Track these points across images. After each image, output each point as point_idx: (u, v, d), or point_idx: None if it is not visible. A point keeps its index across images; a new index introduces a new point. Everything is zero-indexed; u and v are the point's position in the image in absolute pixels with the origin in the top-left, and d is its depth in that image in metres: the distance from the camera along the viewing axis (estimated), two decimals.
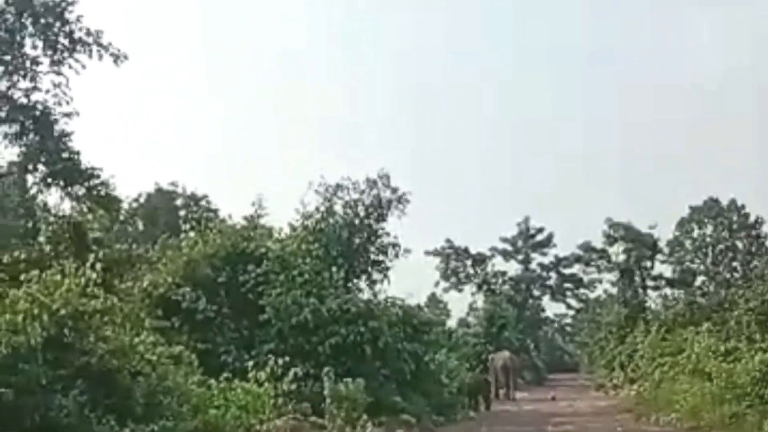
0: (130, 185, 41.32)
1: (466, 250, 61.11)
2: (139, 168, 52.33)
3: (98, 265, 14.15)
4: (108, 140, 45.10)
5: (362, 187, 26.58)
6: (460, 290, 61.00)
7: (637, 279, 50.74)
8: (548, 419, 25.46)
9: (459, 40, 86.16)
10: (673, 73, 76.30)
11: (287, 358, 17.92)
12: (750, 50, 72.38)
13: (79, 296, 13.42)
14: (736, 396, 19.18)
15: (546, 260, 65.29)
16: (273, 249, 22.86)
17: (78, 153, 20.75)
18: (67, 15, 20.97)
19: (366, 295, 25.26)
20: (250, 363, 17.66)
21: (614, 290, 53.39)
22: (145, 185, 36.86)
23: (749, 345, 22.66)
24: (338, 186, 26.30)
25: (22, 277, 13.56)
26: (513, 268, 64.40)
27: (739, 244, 55.74)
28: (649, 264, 52.02)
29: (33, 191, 21.09)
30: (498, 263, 62.98)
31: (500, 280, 61.46)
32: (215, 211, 33.25)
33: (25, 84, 20.85)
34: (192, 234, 23.80)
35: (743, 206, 55.88)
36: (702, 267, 56.12)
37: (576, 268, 62.14)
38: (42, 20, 20.80)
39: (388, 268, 26.53)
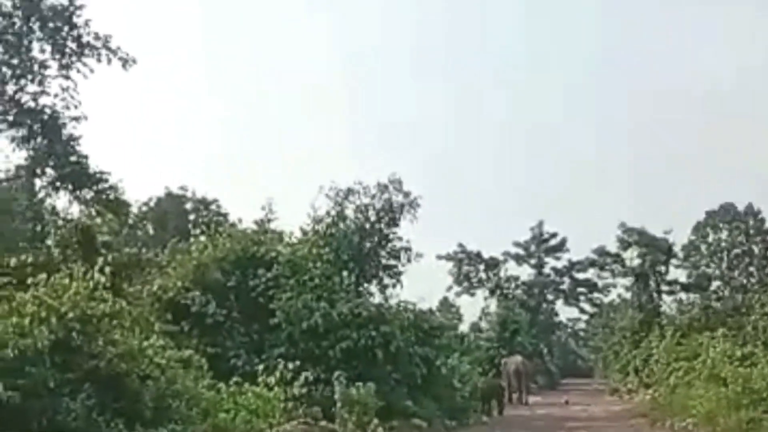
0: (139, 189, 41.40)
1: (478, 255, 60.95)
2: (149, 172, 52.51)
3: (107, 269, 14.12)
4: (117, 144, 45.26)
5: (373, 192, 26.49)
6: (473, 295, 60.85)
7: (652, 284, 50.35)
8: (561, 423, 25.29)
9: (470, 44, 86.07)
10: (685, 75, 75.97)
11: (298, 363, 17.79)
12: (762, 51, 71.91)
13: (87, 300, 13.36)
14: (753, 401, 18.96)
15: (559, 265, 65.14)
16: (283, 253, 22.78)
17: (86, 157, 20.86)
18: (75, 19, 21.05)
19: (377, 299, 25.15)
20: (260, 367, 17.55)
21: (628, 295, 53.05)
22: (155, 189, 37.03)
23: (765, 350, 22.48)
24: (349, 190, 26.23)
25: (30, 280, 13.52)
26: (526, 272, 64.26)
27: (755, 249, 55.39)
28: (663, 269, 51.60)
29: (41, 195, 21.17)
30: (511, 268, 62.86)
31: (513, 285, 61.22)
32: (225, 215, 33.32)
33: (33, 88, 21.04)
34: (202, 238, 23.78)
35: (759, 211, 55.55)
36: (717, 272, 55.77)
37: (590, 273, 61.88)
38: (50, 24, 20.91)
39: (399, 273, 26.42)
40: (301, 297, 21.64)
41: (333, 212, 25.65)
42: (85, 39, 21.06)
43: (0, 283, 13.41)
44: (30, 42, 20.89)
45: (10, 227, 21.55)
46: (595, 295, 63.99)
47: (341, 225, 25.38)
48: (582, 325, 71.48)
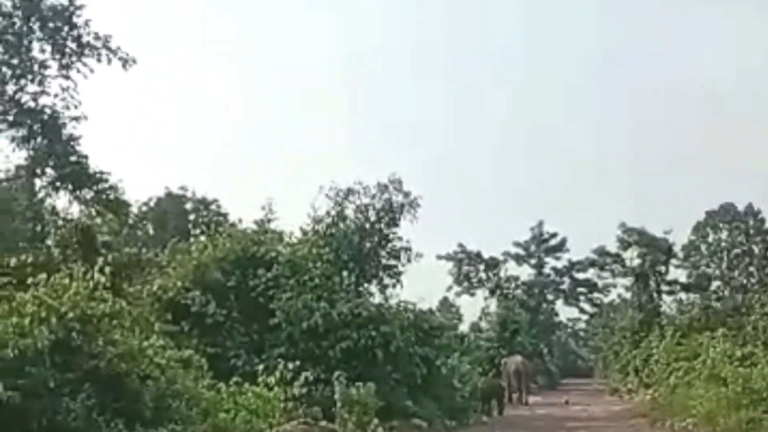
0: (139, 189, 41.39)
1: (478, 255, 60.92)
2: (149, 172, 52.53)
3: (107, 269, 14.11)
4: (118, 144, 45.27)
5: (373, 192, 26.47)
6: (473, 295, 60.82)
7: (652, 284, 50.31)
8: (562, 423, 25.27)
9: (470, 44, 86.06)
10: (685, 75, 76.01)
11: (298, 363, 17.77)
12: (762, 51, 71.93)
13: (87, 300, 13.35)
14: (753, 401, 18.94)
15: (559, 265, 65.12)
16: (283, 253, 22.75)
17: (86, 157, 20.83)
18: (75, 19, 21.01)
19: (377, 299, 25.14)
20: (261, 367, 17.53)
21: (628, 295, 53.03)
22: (155, 189, 36.97)
23: (766, 350, 22.46)
24: (349, 190, 26.21)
25: (30, 280, 13.52)
26: (526, 272, 64.24)
27: (756, 249, 55.38)
28: (663, 269, 51.57)
29: (41, 195, 21.15)
30: (511, 268, 62.84)
31: (513, 285, 61.20)
32: (225, 216, 33.27)
33: (33, 88, 21.02)
34: (202, 238, 23.75)
35: (759, 211, 55.53)
36: (717, 272, 55.75)
37: (590, 273, 61.85)
38: (50, 24, 20.88)
39: (399, 273, 26.41)
40: (301, 297, 21.61)
41: (333, 212, 25.64)
42: (85, 39, 21.04)
43: (0, 283, 13.39)
44: (30, 42, 20.87)
45: (10, 227, 21.53)
46: (595, 295, 63.99)
47: (341, 225, 25.37)
48: (582, 325, 71.50)
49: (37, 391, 11.78)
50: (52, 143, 20.27)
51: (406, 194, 26.63)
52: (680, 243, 53.74)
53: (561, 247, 64.89)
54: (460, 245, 61.18)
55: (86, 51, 20.98)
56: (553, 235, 64.77)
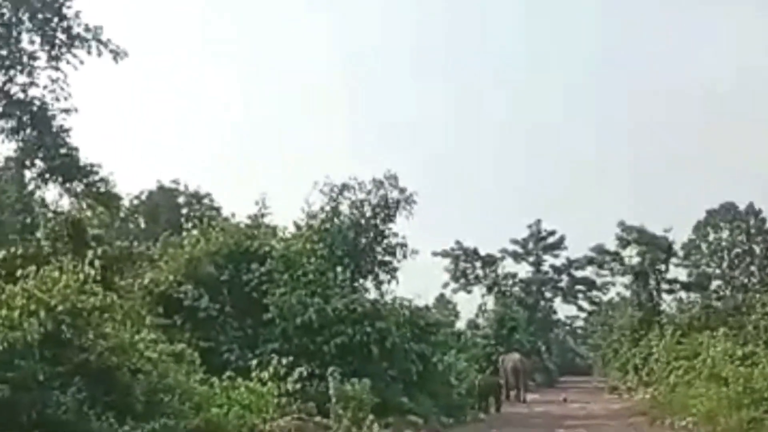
0: (132, 183, 41.24)
1: (475, 252, 60.82)
2: (142, 166, 52.33)
3: (97, 262, 13.99)
4: (111, 138, 45.14)
5: (369, 187, 26.30)
6: (470, 292, 60.73)
7: (652, 282, 50.18)
8: (560, 422, 25.09)
9: (470, 44, 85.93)
10: (685, 75, 75.90)
11: (291, 358, 17.60)
12: (762, 51, 71.85)
13: (77, 293, 13.28)
14: (754, 401, 18.74)
15: (557, 262, 65.01)
16: (277, 248, 22.60)
17: (76, 149, 20.68)
18: (65, 10, 20.85)
19: (373, 295, 24.99)
20: (254, 362, 17.36)
21: (627, 293, 52.90)
22: (147, 183, 36.84)
23: (766, 350, 22.26)
24: (344, 186, 26.04)
25: (20, 273, 13.41)
26: (524, 270, 64.15)
27: (756, 249, 55.32)
28: (663, 267, 51.43)
29: (31, 187, 20.99)
30: (508, 265, 62.77)
31: (511, 282, 61.11)
32: (218, 210, 33.10)
33: (22, 79, 20.88)
34: (194, 232, 23.57)
35: (760, 210, 55.44)
36: (718, 271, 55.66)
37: (588, 271, 61.71)
38: (39, 15, 20.72)
39: (395, 269, 26.28)
40: (295, 292, 21.48)
41: (327, 208, 25.46)
42: (75, 30, 20.87)
43: None
44: (19, 33, 20.71)
45: None
46: (594, 293, 63.89)
47: (336, 220, 25.21)
48: (580, 323, 71.44)
49: (27, 385, 11.79)
50: (41, 135, 20.11)
51: (402, 190, 26.50)
52: (680, 242, 53.69)
53: (559, 244, 64.81)
54: (457, 242, 61.14)
55: (76, 42, 20.81)
56: (551, 233, 64.69)
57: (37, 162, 20.33)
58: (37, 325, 12.34)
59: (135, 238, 26.16)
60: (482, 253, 60.96)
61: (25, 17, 20.65)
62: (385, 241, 26.32)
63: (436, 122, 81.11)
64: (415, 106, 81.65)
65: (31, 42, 20.87)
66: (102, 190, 21.15)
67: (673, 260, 52.13)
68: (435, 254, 59.09)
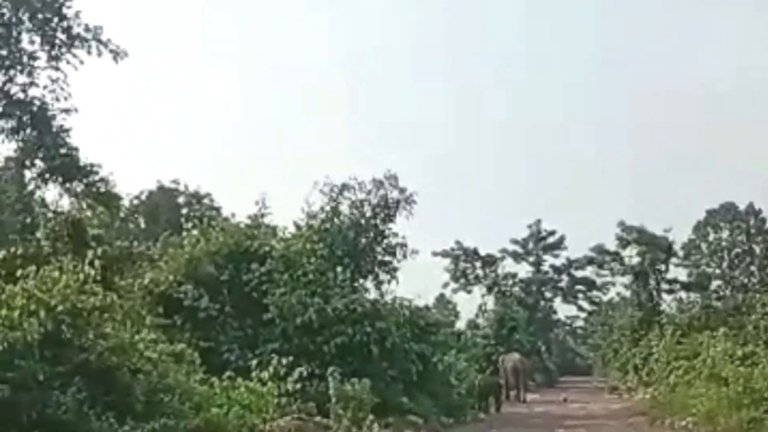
0: (132, 183, 41.22)
1: (475, 252, 60.78)
2: (142, 166, 52.30)
3: (97, 262, 14.00)
4: (111, 138, 45.20)
5: (368, 187, 26.28)
6: (470, 292, 60.67)
7: (652, 282, 50.17)
8: (560, 422, 25.07)
9: (470, 44, 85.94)
10: (685, 75, 75.94)
11: (291, 358, 17.60)
12: (762, 51, 71.86)
13: (77, 293, 13.27)
14: (754, 401, 18.73)
15: (557, 262, 64.96)
16: (277, 248, 22.57)
17: (76, 149, 20.68)
18: (65, 10, 20.84)
19: (373, 295, 24.97)
20: (254, 362, 17.36)
21: (627, 293, 52.89)
22: (147, 183, 36.81)
23: (767, 350, 22.25)
24: (344, 186, 26.02)
25: (20, 273, 13.40)
26: (524, 270, 64.11)
27: (756, 249, 55.31)
28: (663, 267, 51.43)
29: (31, 187, 21.00)
30: (508, 265, 62.72)
31: (511, 282, 61.07)
32: (218, 210, 33.09)
33: (22, 79, 20.89)
34: (194, 231, 23.56)
35: (760, 210, 55.43)
36: (718, 271, 55.65)
37: (588, 271, 61.70)
38: (39, 15, 20.73)
39: (395, 269, 26.25)
40: (295, 292, 21.46)
41: (327, 208, 25.45)
42: (75, 30, 20.88)
43: None
44: (19, 33, 20.71)
45: None
46: (594, 293, 63.86)
47: (336, 220, 25.19)
48: (580, 323, 71.40)
49: (27, 385, 11.78)
50: (41, 135, 20.11)
51: (402, 190, 26.47)
52: (680, 242, 53.68)
53: (559, 244, 64.77)
54: (457, 242, 61.11)
55: (76, 42, 20.81)
56: (551, 233, 64.64)
57: (37, 162, 20.34)
58: (37, 325, 12.34)
59: (135, 238, 26.14)
60: (482, 253, 60.93)
61: (25, 17, 20.67)
62: (385, 241, 26.29)
63: (436, 122, 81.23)
64: (415, 106, 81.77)
65: (31, 42, 20.90)
66: (102, 190, 21.16)
67: (673, 260, 52.16)
68: (435, 254, 59.12)
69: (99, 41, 21.02)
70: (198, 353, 16.79)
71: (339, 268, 22.78)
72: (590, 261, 59.28)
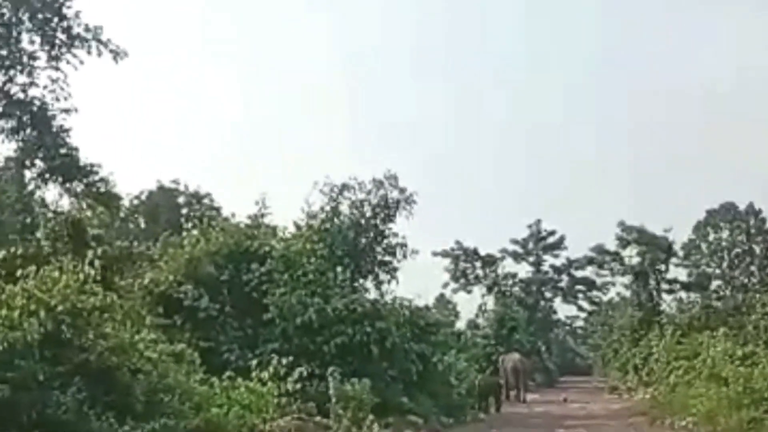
0: (132, 183, 41.24)
1: (475, 252, 60.77)
2: (142, 166, 52.31)
3: (97, 262, 14.00)
4: (111, 138, 45.24)
5: (368, 187, 26.26)
6: (470, 292, 60.65)
7: (652, 282, 50.17)
8: (560, 422, 25.07)
9: (470, 44, 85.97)
10: (685, 75, 75.96)
11: (291, 358, 17.61)
12: (762, 51, 71.89)
13: (77, 293, 13.27)
14: (754, 401, 18.72)
15: (557, 262, 64.96)
16: (277, 248, 22.57)
17: (76, 149, 20.69)
18: (65, 10, 20.85)
19: (373, 295, 24.96)
20: (254, 362, 17.36)
21: (627, 293, 52.89)
22: (147, 183, 36.80)
23: (767, 350, 22.25)
24: (344, 186, 26.00)
25: (20, 273, 13.41)
26: (524, 270, 64.10)
27: (756, 249, 55.29)
28: (663, 267, 51.43)
29: (31, 187, 21.02)
30: (508, 265, 62.70)
31: (511, 282, 61.04)
32: (218, 210, 33.10)
33: (22, 79, 20.91)
34: (194, 231, 23.56)
35: (760, 210, 55.42)
36: (718, 271, 55.64)
37: (588, 271, 61.70)
38: (39, 15, 20.75)
39: (395, 269, 26.23)
40: (295, 292, 21.45)
41: (327, 208, 25.44)
42: (75, 30, 20.89)
43: None
44: (19, 33, 20.73)
45: None
46: (594, 293, 63.86)
47: (336, 220, 25.17)
48: (580, 323, 71.40)
49: (27, 385, 11.78)
50: (41, 135, 20.13)
51: (402, 190, 26.44)
52: (680, 242, 53.67)
53: (559, 244, 64.76)
54: (457, 242, 61.10)
55: (76, 42, 20.82)
56: (551, 233, 64.64)
57: (37, 162, 20.36)
58: (37, 325, 12.35)
59: (135, 238, 26.15)
60: (482, 253, 60.93)
61: (25, 17, 20.70)
62: (385, 241, 26.27)
63: (436, 122, 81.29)
64: (415, 106, 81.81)
65: (31, 42, 20.92)
66: (102, 190, 21.19)
67: (673, 260, 52.16)
68: (435, 254, 59.12)
69: (99, 41, 21.05)
70: (198, 353, 16.79)
71: (339, 268, 22.77)
72: (590, 261, 59.29)
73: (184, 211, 35.41)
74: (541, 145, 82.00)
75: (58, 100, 20.72)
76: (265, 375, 16.64)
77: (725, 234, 56.42)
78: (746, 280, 53.47)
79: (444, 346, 26.72)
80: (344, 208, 25.85)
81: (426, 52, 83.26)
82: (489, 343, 46.66)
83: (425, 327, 24.10)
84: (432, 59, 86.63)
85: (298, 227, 24.89)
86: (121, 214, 28.93)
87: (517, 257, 64.21)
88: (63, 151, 20.27)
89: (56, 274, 13.36)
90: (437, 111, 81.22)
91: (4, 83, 20.58)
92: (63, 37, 20.86)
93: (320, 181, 25.77)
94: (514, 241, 64.53)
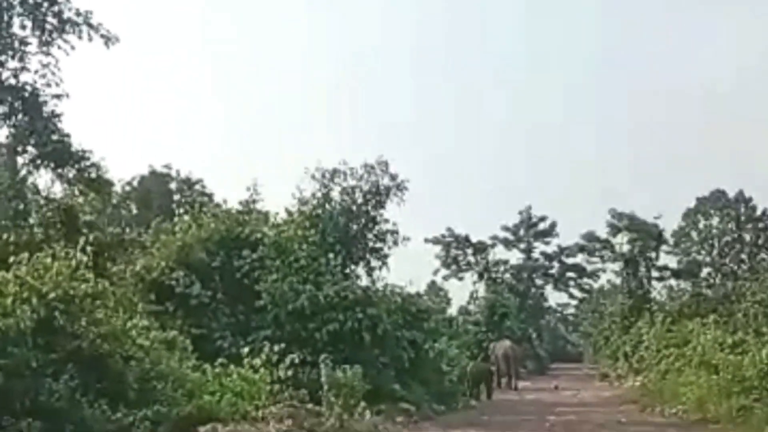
0: (124, 168, 41.19)
1: (466, 239, 60.83)
2: (134, 151, 52.19)
3: (89, 249, 13.97)
4: (104, 123, 45.14)
5: (360, 173, 26.18)
6: (461, 278, 60.74)
7: (642, 269, 50.31)
8: (551, 408, 25.12)
9: (470, 44, 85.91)
10: (685, 75, 76.18)
11: (283, 345, 17.64)
12: (762, 51, 72.04)
13: (69, 279, 13.29)
14: (744, 389, 18.85)
15: (548, 249, 65.13)
16: (269, 234, 22.57)
17: (68, 135, 20.56)
18: None
19: (364, 282, 24.93)
20: (246, 349, 17.39)
21: (618, 280, 53.07)
22: (139, 168, 36.71)
23: (757, 338, 22.40)
24: (335, 171, 25.91)
25: (12, 260, 13.40)
26: (515, 256, 64.26)
27: (746, 237, 55.48)
28: (653, 254, 51.57)
29: (23, 173, 20.90)
30: (499, 252, 62.80)
31: (502, 269, 61.12)
32: (210, 196, 33.04)
33: (13, 64, 20.70)
34: (186, 218, 23.49)
35: (750, 198, 55.60)
36: (708, 258, 55.85)
37: (579, 258, 61.89)
38: (30, 0, 20.56)
39: (386, 256, 26.18)
40: (287, 279, 21.43)
41: (319, 194, 25.37)
42: (65, 15, 20.71)
43: None
44: (10, 18, 20.53)
45: None
46: (584, 280, 64.08)
47: (327, 206, 25.11)
48: (571, 310, 71.67)
49: (20, 372, 11.82)
50: (33, 120, 19.97)
51: (393, 177, 26.37)
52: (670, 229, 53.81)
53: (550, 231, 64.91)
54: (448, 229, 61.19)
55: (67, 27, 20.64)
56: (542, 219, 64.76)
57: (29, 148, 20.22)
58: (30, 312, 12.40)
59: (127, 224, 26.08)
60: (473, 239, 61.04)
61: (16, 2, 20.50)
62: (377, 227, 26.19)
63: (436, 122, 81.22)
64: (415, 106, 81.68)
65: (23, 27, 20.70)
66: (94, 175, 21.06)
67: (664, 248, 52.27)
68: (426, 241, 59.23)
69: (90, 26, 20.87)
70: (190, 340, 16.85)
71: (330, 255, 22.72)
72: (581, 248, 59.45)
73: (176, 197, 35.32)
74: (541, 145, 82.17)
75: (49, 85, 20.58)
76: (257, 362, 16.71)
77: (715, 221, 56.62)
78: (736, 268, 53.64)
79: (435, 333, 26.74)
80: (335, 194, 25.79)
81: (426, 52, 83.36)
82: (480, 330, 46.74)
83: (417, 314, 24.11)
84: (432, 59, 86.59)
85: (289, 213, 24.81)
86: (113, 200, 28.77)
87: (508, 244, 64.36)
88: (55, 137, 20.13)
89: (48, 260, 13.38)
90: (437, 111, 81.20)
91: None
92: (54, 21, 20.68)
93: (311, 167, 25.72)
94: (505, 228, 64.68)
